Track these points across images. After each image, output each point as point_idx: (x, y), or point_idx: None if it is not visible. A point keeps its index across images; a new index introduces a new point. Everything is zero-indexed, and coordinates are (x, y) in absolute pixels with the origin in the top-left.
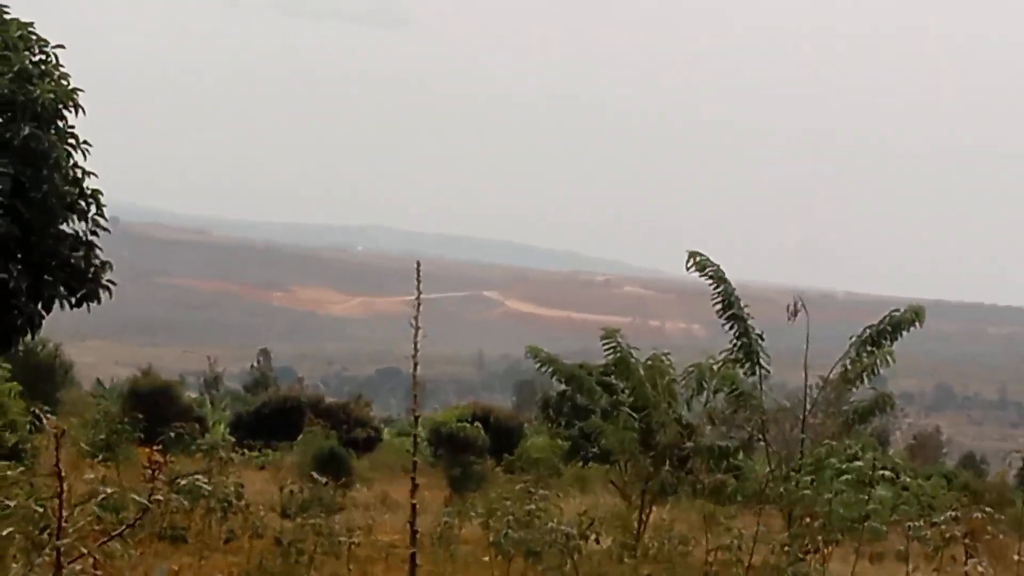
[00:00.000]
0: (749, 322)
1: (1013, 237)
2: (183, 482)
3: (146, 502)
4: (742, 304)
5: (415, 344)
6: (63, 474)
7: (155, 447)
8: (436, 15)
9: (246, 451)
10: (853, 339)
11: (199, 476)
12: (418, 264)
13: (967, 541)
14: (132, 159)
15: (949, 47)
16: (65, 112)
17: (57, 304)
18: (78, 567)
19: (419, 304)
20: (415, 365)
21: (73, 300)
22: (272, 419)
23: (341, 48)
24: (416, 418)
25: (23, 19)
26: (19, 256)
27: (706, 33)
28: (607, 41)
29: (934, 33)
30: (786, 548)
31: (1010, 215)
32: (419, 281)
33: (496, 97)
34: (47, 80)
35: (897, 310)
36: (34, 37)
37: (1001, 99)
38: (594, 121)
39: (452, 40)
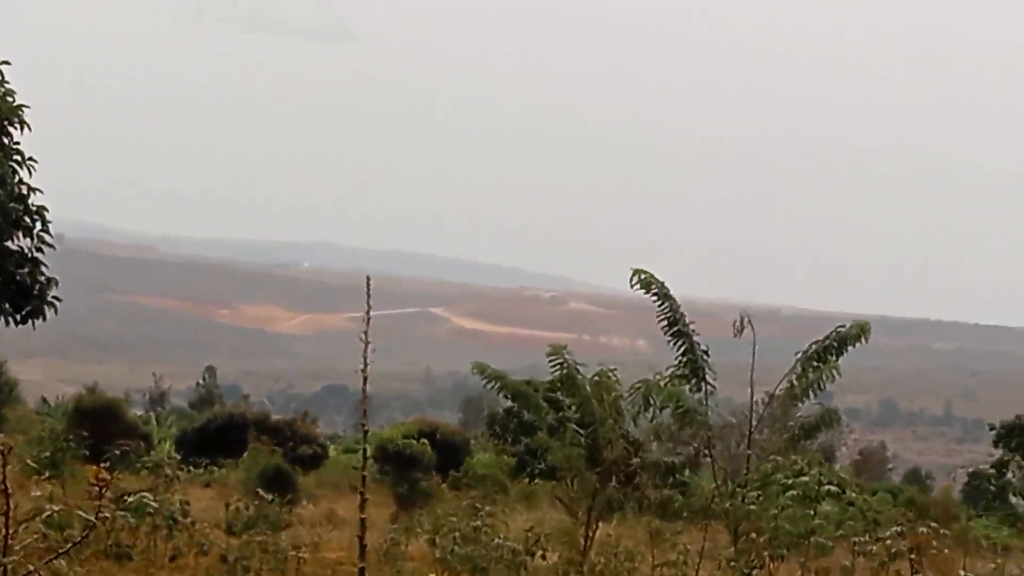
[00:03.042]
0: (695, 338)
1: (958, 253)
2: (129, 500)
3: (92, 519)
4: (687, 320)
5: (364, 359)
6: (9, 492)
7: (101, 465)
8: (387, 30)
9: (192, 468)
10: (799, 355)
11: (145, 494)
12: (368, 279)
13: (913, 556)
14: (79, 176)
15: (888, 57)
16: (10, 129)
17: (2, 321)
18: None
19: (368, 319)
20: (364, 380)
21: (18, 317)
22: (218, 436)
23: (290, 63)
24: (366, 432)
25: None
26: None
27: (652, 49)
28: (556, 58)
29: (868, 44)
30: (732, 564)
31: (955, 231)
32: (368, 296)
33: (443, 113)
34: None
35: (843, 326)
36: None
37: (942, 109)
38: (540, 138)
39: (402, 55)
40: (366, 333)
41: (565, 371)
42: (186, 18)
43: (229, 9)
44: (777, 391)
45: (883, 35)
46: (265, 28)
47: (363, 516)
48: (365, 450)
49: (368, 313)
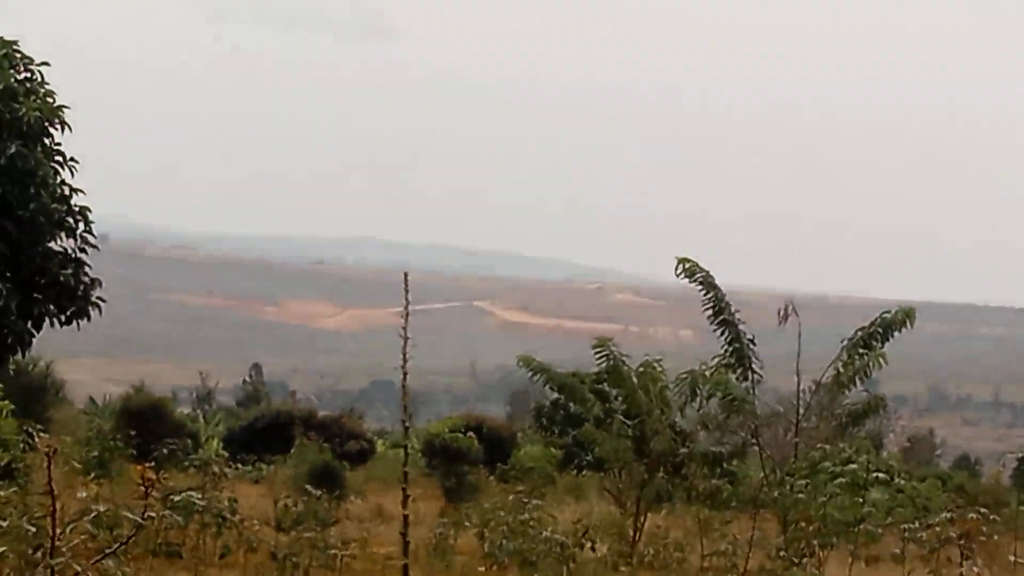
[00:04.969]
0: (740, 327)
1: (1004, 237)
2: (177, 498)
3: (140, 519)
4: (733, 309)
5: (404, 355)
6: (56, 493)
7: (148, 464)
8: (425, 25)
9: (239, 466)
10: (845, 342)
11: (193, 492)
12: (406, 275)
13: (962, 542)
14: (121, 175)
15: (940, 40)
16: (51, 130)
17: (47, 322)
18: None
19: (407, 315)
20: (404, 375)
21: (63, 318)
22: (265, 433)
23: (329, 60)
24: (407, 429)
25: (7, 37)
26: (8, 275)
27: (692, 37)
28: (595, 50)
29: (923, 27)
30: (781, 552)
31: (1001, 214)
32: (407, 291)
33: (484, 107)
34: (33, 98)
35: (888, 312)
36: (19, 55)
37: (989, 96)
38: (582, 129)
39: (441, 50)
40: (404, 329)
41: (611, 362)
42: (223, 17)
43: (265, 8)
44: (824, 379)
45: (933, 21)
46: (302, 26)
47: (405, 513)
48: (406, 447)
49: (407, 309)
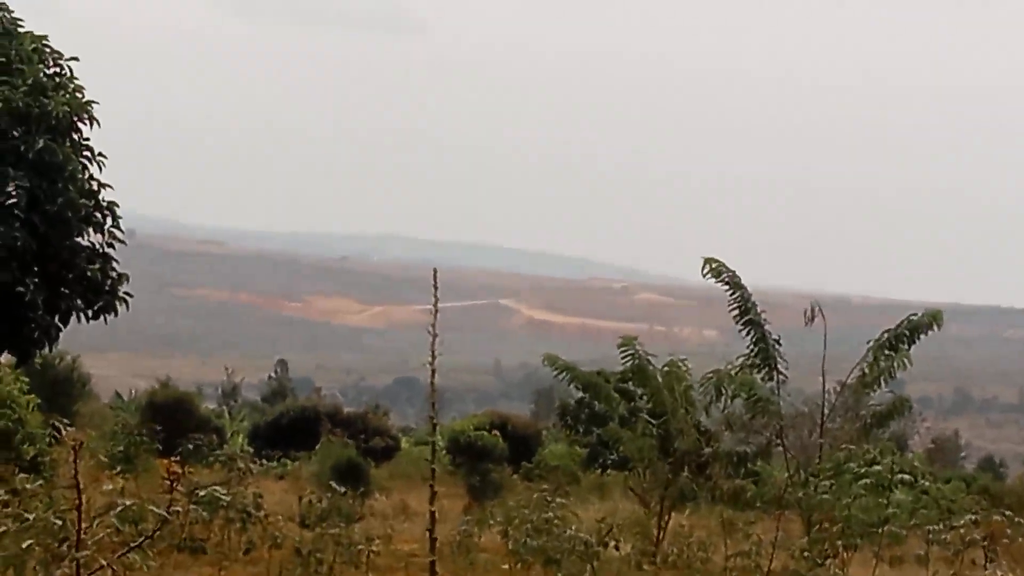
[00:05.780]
0: (766, 327)
1: None
2: (202, 493)
3: (165, 513)
4: (759, 310)
5: (432, 351)
6: (81, 486)
7: (174, 459)
8: (449, 22)
9: (265, 462)
10: (871, 343)
11: (218, 487)
12: (435, 272)
13: (986, 544)
14: (148, 171)
15: (958, 40)
16: (80, 124)
17: (74, 317)
18: None
19: (436, 311)
20: (432, 372)
21: (90, 312)
22: (290, 429)
23: (354, 56)
24: (434, 425)
25: (37, 32)
26: (35, 269)
27: (712, 34)
28: (618, 47)
29: (943, 26)
30: (805, 553)
31: None
32: (436, 288)
33: (508, 105)
34: (61, 93)
35: (915, 314)
36: (48, 50)
37: (1015, 92)
38: (607, 127)
39: (464, 46)
40: (433, 326)
41: (636, 362)
42: (247, 12)
43: (290, 3)
44: (849, 380)
45: (951, 19)
46: (328, 21)
47: (432, 509)
48: (434, 443)
49: (436, 305)
